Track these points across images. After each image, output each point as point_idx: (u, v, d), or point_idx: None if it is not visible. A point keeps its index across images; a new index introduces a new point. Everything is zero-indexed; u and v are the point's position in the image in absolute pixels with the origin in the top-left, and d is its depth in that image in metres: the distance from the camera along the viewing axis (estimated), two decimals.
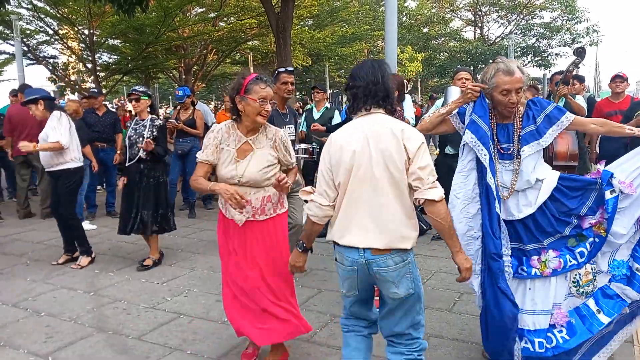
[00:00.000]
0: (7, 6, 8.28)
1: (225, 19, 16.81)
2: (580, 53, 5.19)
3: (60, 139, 4.75)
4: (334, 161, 2.22)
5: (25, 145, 4.75)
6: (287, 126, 5.19)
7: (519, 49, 20.62)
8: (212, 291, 4.23)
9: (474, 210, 2.72)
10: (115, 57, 16.43)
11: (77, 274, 4.76)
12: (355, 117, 2.29)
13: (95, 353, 3.21)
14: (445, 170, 5.48)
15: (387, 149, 2.14)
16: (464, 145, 2.78)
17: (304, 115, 7.33)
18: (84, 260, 5.03)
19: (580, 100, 5.73)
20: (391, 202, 2.16)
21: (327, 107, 6.83)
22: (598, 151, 6.15)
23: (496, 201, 2.63)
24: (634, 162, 2.67)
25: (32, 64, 15.78)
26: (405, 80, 3.96)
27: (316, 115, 6.83)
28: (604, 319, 2.61)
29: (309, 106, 7.30)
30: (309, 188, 2.39)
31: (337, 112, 6.50)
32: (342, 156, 2.19)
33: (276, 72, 4.36)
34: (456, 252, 2.29)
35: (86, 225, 6.28)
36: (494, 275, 2.62)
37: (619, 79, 5.96)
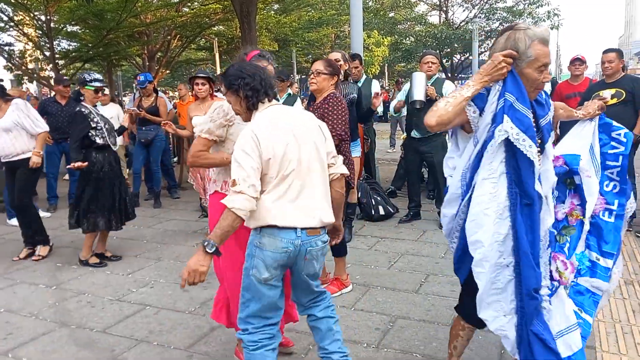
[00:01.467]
0: None
1: (189, 4, 16.44)
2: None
3: (43, 128, 4.83)
4: (265, 155, 2.18)
5: (35, 162, 4.75)
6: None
7: (482, 32, 20.85)
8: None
9: (504, 230, 2.02)
10: (75, 44, 15.92)
11: (38, 268, 4.63)
12: (259, 111, 2.33)
13: (58, 348, 3.14)
14: (412, 153, 5.56)
15: (313, 134, 2.34)
16: (490, 139, 2.01)
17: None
18: (42, 249, 4.92)
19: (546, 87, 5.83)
20: (319, 182, 2.32)
21: (289, 94, 6.77)
22: (559, 133, 6.28)
23: (548, 215, 2.10)
24: (578, 139, 2.56)
25: None
26: (339, 67, 3.88)
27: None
28: (588, 318, 2.30)
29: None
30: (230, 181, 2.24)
31: (298, 100, 6.47)
32: (274, 149, 2.20)
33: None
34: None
35: (15, 221, 6.07)
36: (526, 316, 2.03)
37: (578, 62, 6.09)
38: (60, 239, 5.36)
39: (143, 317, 3.54)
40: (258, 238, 2.25)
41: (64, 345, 3.17)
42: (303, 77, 32.98)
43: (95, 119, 4.52)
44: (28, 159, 4.77)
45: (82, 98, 4.57)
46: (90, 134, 4.45)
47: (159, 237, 5.49)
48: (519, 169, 2.00)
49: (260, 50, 2.72)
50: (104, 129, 4.57)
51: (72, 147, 4.46)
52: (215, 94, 5.41)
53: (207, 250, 2.11)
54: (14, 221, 6.18)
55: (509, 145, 1.99)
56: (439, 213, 5.47)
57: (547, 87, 5.86)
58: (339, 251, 3.79)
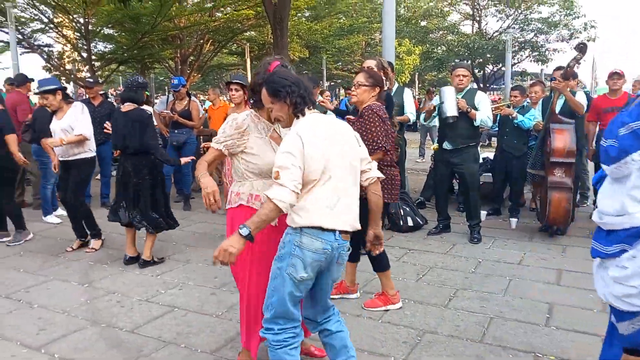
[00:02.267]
0: None
1: (222, 9, 16.68)
2: (581, 49, 5.17)
3: (84, 132, 4.95)
4: (307, 157, 2.25)
5: (53, 142, 4.90)
6: None
7: (516, 43, 20.53)
8: (206, 284, 4.21)
9: None
10: (111, 46, 16.29)
11: (71, 266, 4.73)
12: (304, 116, 2.40)
13: (89, 346, 3.19)
14: (442, 165, 5.49)
15: (349, 142, 2.44)
16: None
17: None
18: (95, 243, 5.19)
19: (581, 97, 5.71)
20: (353, 188, 2.43)
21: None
22: (594, 148, 6.14)
23: None
24: None
25: (26, 52, 15.64)
26: (383, 78, 3.85)
27: None
28: None
29: None
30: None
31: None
32: (316, 152, 2.27)
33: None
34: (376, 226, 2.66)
35: (50, 218, 6.39)
36: None
37: (616, 76, 5.95)
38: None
39: (171, 318, 3.57)
40: (298, 237, 2.31)
41: (94, 344, 3.22)
42: (332, 84, 33.05)
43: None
44: (82, 159, 5.04)
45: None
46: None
47: (188, 240, 5.55)
48: None
49: (280, 61, 2.72)
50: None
51: (158, 149, 4.63)
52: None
53: (241, 233, 2.18)
54: (50, 218, 6.36)
55: None
56: (469, 226, 5.40)
57: (583, 100, 5.72)
58: (382, 265, 3.66)
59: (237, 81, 4.96)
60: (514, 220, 5.94)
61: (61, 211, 6.62)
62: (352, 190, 2.42)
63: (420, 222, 5.78)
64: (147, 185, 4.62)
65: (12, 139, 5.24)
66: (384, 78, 3.81)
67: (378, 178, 2.60)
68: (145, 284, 4.24)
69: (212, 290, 4.07)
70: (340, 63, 28.13)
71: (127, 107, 4.62)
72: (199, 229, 6.04)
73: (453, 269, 4.52)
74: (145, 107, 4.78)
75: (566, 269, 4.48)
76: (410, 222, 5.69)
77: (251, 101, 2.72)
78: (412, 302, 3.80)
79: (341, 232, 2.36)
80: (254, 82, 2.70)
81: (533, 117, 5.89)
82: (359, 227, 2.46)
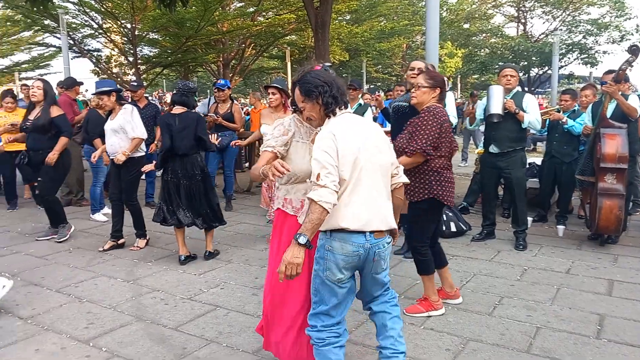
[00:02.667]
0: (54, 1, 8.51)
1: (264, 13, 16.89)
2: (634, 51, 4.97)
3: (139, 135, 5.13)
4: (341, 155, 2.29)
5: (119, 158, 5.07)
6: None
7: (564, 45, 19.92)
8: (247, 284, 4.25)
9: None
10: (156, 50, 16.75)
11: (117, 263, 4.86)
12: (336, 116, 2.43)
13: (134, 341, 3.26)
14: (489, 169, 5.35)
15: (379, 143, 2.46)
16: None
17: None
18: (141, 242, 5.36)
19: (634, 100, 5.48)
20: (384, 189, 2.46)
21: (360, 104, 6.76)
22: None
23: None
24: None
25: (77, 57, 16.27)
26: (445, 78, 3.84)
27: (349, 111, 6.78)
28: None
29: None
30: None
31: (369, 109, 6.43)
32: (348, 151, 2.31)
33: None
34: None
35: (98, 216, 6.60)
36: None
37: None
38: (133, 238, 5.58)
39: (213, 317, 3.62)
40: (329, 242, 2.36)
41: (139, 339, 3.29)
42: (371, 87, 32.94)
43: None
44: (132, 158, 5.18)
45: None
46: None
47: (230, 240, 5.61)
48: None
49: (322, 65, 2.71)
50: None
51: (212, 147, 5.00)
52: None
53: (300, 242, 2.20)
54: (97, 216, 6.56)
55: None
56: (514, 233, 5.26)
57: (636, 104, 5.47)
58: (424, 269, 3.62)
59: (275, 85, 5.05)
60: (561, 228, 5.74)
61: (108, 209, 6.84)
62: (382, 190, 2.44)
63: (464, 228, 5.67)
64: (200, 184, 4.78)
65: (63, 142, 5.44)
66: (445, 79, 3.76)
67: (403, 183, 2.62)
68: (188, 283, 4.32)
69: (253, 291, 4.10)
70: (380, 66, 27.99)
71: (179, 109, 4.77)
72: (240, 229, 6.11)
73: (498, 276, 4.40)
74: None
75: (618, 280, 4.29)
76: (453, 228, 5.58)
77: (293, 107, 2.72)
78: (455, 309, 3.72)
79: (374, 231, 2.38)
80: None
81: (584, 122, 5.70)
82: (394, 226, 2.48)
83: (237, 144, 6.00)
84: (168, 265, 4.78)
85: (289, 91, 5.02)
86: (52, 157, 5.36)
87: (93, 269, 4.67)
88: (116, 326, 3.48)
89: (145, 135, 5.24)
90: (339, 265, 2.34)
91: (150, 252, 5.19)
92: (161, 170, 4.85)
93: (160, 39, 16.07)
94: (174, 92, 5.03)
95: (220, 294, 4.05)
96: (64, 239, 5.56)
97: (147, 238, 5.45)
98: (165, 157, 4.72)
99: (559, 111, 6.09)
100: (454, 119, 5.90)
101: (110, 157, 5.32)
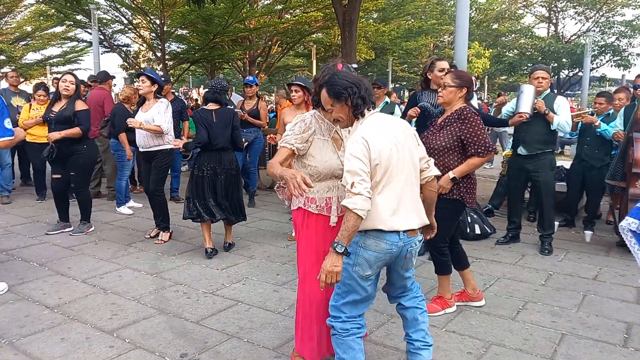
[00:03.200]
0: None
1: (291, 11, 16.92)
2: None
3: (162, 125, 5.21)
4: (373, 159, 2.31)
5: (133, 122, 5.18)
6: None
7: (596, 47, 19.46)
8: (269, 280, 4.26)
9: None
10: (184, 46, 16.93)
11: (141, 256, 4.93)
12: (365, 117, 2.45)
13: (157, 334, 3.30)
14: (516, 171, 5.26)
15: (409, 141, 2.48)
16: None
17: None
18: (165, 235, 5.44)
19: None
20: (416, 186, 2.51)
21: (387, 102, 6.72)
22: None
23: None
24: None
25: (106, 52, 16.56)
26: (473, 78, 3.80)
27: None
28: None
29: None
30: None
31: (397, 107, 6.38)
32: (381, 154, 2.33)
33: None
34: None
35: (123, 209, 6.71)
36: None
37: None
38: (180, 228, 5.64)
39: (235, 312, 3.64)
40: (363, 239, 2.40)
41: (161, 332, 3.33)
42: (397, 86, 32.74)
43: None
44: (162, 150, 5.31)
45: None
46: None
47: (252, 236, 5.65)
48: None
49: (344, 63, 2.71)
50: None
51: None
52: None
53: (338, 251, 2.24)
54: (123, 209, 6.67)
55: None
56: (540, 237, 5.16)
57: None
58: (443, 269, 3.64)
59: (298, 83, 5.10)
60: (588, 233, 5.61)
61: (133, 202, 6.95)
62: (414, 188, 2.50)
63: (489, 231, 5.59)
64: (234, 179, 4.97)
65: (75, 131, 5.39)
66: (473, 79, 3.72)
67: (435, 176, 2.68)
68: (210, 277, 4.35)
69: (274, 287, 4.11)
70: (406, 65, 27.79)
71: (213, 106, 4.92)
72: (262, 225, 6.14)
73: (522, 281, 4.33)
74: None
75: None
76: (477, 230, 5.51)
77: (313, 103, 2.72)
78: (478, 312, 3.67)
79: (407, 230, 2.42)
80: (317, 85, 2.65)
81: (616, 126, 5.57)
82: (427, 222, 2.56)
83: (272, 139, 5.85)
84: (191, 259, 4.83)
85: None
86: (54, 135, 5.32)
87: (118, 261, 4.75)
88: (139, 318, 3.53)
89: (167, 130, 5.29)
90: (370, 262, 2.40)
91: (173, 246, 5.25)
92: (186, 166, 4.93)
93: (188, 35, 16.24)
94: (207, 89, 5.14)
95: (242, 290, 4.08)
96: (79, 234, 5.63)
97: (171, 231, 5.52)
98: (201, 151, 4.86)
99: (592, 114, 5.95)
100: None
101: (141, 150, 5.42)
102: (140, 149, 5.43)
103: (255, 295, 3.97)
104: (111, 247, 5.18)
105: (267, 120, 7.87)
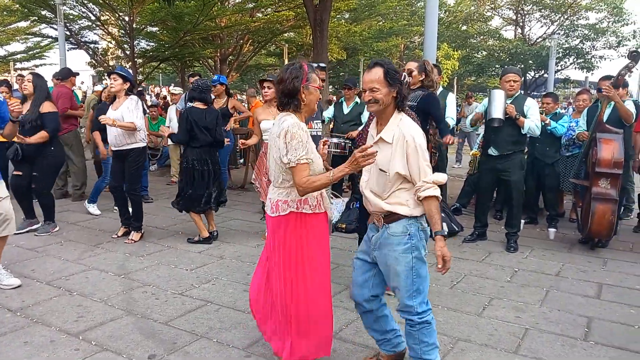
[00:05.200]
0: None
1: (263, 10, 16.84)
2: (634, 57, 5.00)
3: (135, 121, 5.16)
4: None
5: (105, 119, 5.12)
6: (315, 121, 5.24)
7: (561, 49, 19.99)
8: (239, 280, 4.25)
9: None
10: (153, 44, 16.67)
11: (109, 256, 4.85)
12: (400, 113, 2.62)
13: (124, 335, 3.26)
14: (487, 172, 5.36)
15: None
16: None
17: (332, 108, 7.32)
18: (136, 235, 5.38)
19: (630, 105, 5.52)
20: None
21: (356, 102, 6.79)
22: None
23: None
24: None
25: (73, 49, 16.17)
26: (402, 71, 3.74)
27: (345, 110, 6.86)
28: None
29: (340, 99, 7.28)
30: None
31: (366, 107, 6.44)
32: None
33: None
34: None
35: (92, 208, 6.59)
36: None
37: None
38: (152, 229, 5.56)
39: (204, 313, 3.62)
40: (420, 224, 2.59)
41: (129, 333, 3.29)
42: None
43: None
44: (135, 148, 5.27)
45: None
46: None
47: (222, 236, 5.61)
48: None
49: (308, 63, 2.71)
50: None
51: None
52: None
53: (444, 234, 2.53)
54: (92, 208, 6.54)
55: None
56: (506, 234, 5.28)
57: (632, 108, 5.50)
58: None
59: (270, 79, 5.23)
60: (552, 231, 5.78)
61: (93, 209, 6.78)
62: None
63: (456, 229, 5.69)
64: (219, 171, 5.42)
65: (42, 135, 5.29)
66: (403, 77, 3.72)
67: None
68: (179, 278, 4.31)
69: (244, 287, 4.10)
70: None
71: (201, 105, 5.25)
72: (233, 225, 6.11)
73: (488, 278, 4.43)
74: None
75: (607, 283, 4.33)
76: (445, 228, 5.59)
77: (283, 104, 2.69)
78: (445, 309, 3.74)
79: None
80: (293, 86, 2.60)
81: (567, 124, 5.79)
82: None
83: (244, 144, 5.83)
84: (160, 260, 4.78)
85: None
86: (24, 139, 5.18)
87: (84, 262, 4.66)
88: (106, 320, 3.47)
89: (139, 127, 5.23)
90: (427, 239, 2.62)
91: (142, 247, 5.18)
92: (155, 165, 4.92)
93: (157, 32, 15.98)
94: (192, 89, 5.42)
95: (211, 290, 4.06)
96: (44, 234, 5.51)
97: (142, 232, 5.45)
98: (193, 148, 5.22)
99: (541, 113, 6.11)
100: (451, 121, 5.97)
101: (113, 149, 5.33)
102: (113, 148, 5.34)
103: (225, 295, 3.95)
104: (77, 248, 5.08)
105: (246, 111, 7.88)
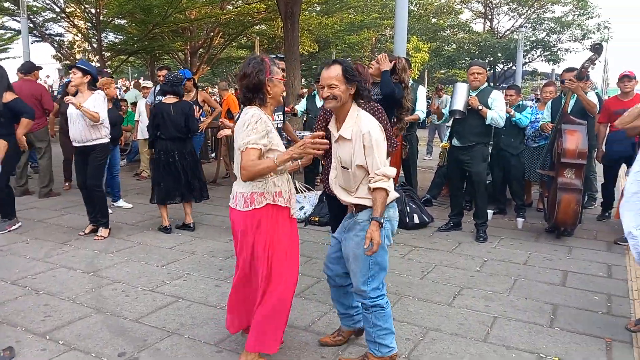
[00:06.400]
0: None
1: (233, 2, 16.65)
2: (597, 49, 5.13)
3: (100, 113, 5.10)
4: None
5: (71, 99, 5.04)
6: (275, 113, 5.22)
7: (528, 42, 20.37)
8: (211, 276, 4.22)
9: None
10: (121, 37, 16.32)
11: (77, 254, 4.76)
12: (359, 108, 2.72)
13: (93, 334, 3.20)
14: (453, 162, 5.47)
15: None
16: None
17: (304, 101, 7.30)
18: (104, 231, 5.29)
19: (592, 97, 5.67)
20: None
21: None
22: (604, 150, 6.10)
23: None
24: None
25: (37, 42, 15.71)
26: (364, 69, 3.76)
27: (319, 103, 6.84)
28: None
29: (313, 93, 7.28)
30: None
31: None
32: None
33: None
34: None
35: (121, 202, 6.68)
36: None
37: (626, 79, 5.86)
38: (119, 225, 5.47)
39: (175, 309, 3.58)
40: (386, 213, 2.63)
41: (98, 332, 3.23)
42: None
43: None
44: (98, 144, 5.19)
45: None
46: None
47: (194, 232, 5.55)
48: None
49: (267, 56, 2.74)
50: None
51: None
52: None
53: (380, 223, 2.55)
54: (121, 202, 6.58)
55: None
56: (475, 225, 5.38)
57: (595, 100, 5.65)
58: None
59: None
60: (520, 220, 5.91)
61: (123, 202, 6.70)
62: None
63: (427, 220, 5.77)
64: (192, 162, 5.50)
65: (25, 123, 5.28)
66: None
67: None
68: (150, 274, 4.26)
69: (216, 282, 4.08)
70: (349, 58, 28.03)
71: (172, 99, 5.38)
72: (205, 220, 6.05)
73: (458, 268, 4.51)
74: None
75: (572, 271, 4.46)
76: (416, 220, 5.67)
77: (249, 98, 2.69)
78: (416, 300, 3.79)
79: None
80: (257, 80, 2.61)
81: (531, 116, 5.95)
82: None
83: (221, 134, 5.83)
84: (130, 256, 4.71)
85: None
86: (20, 143, 5.27)
87: (52, 260, 4.56)
88: (74, 318, 3.41)
89: (102, 119, 5.12)
90: (393, 230, 2.72)
91: (111, 243, 5.09)
92: (124, 160, 4.84)
93: (126, 25, 15.65)
94: (164, 82, 5.53)
95: (182, 286, 4.02)
96: (1, 232, 5.37)
97: (110, 227, 5.36)
98: (158, 140, 5.37)
99: (506, 106, 6.22)
100: (422, 114, 6.03)
101: (77, 145, 5.22)
102: (75, 144, 5.22)
103: (196, 291, 3.92)
104: (44, 246, 4.96)
105: (215, 114, 7.78)
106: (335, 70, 2.62)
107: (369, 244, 2.53)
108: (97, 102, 5.09)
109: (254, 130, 2.55)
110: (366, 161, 2.57)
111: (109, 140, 5.35)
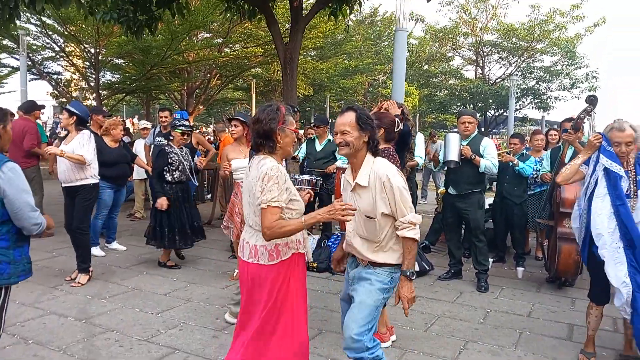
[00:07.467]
0: (16, 21, 8.25)
1: (231, 45, 16.92)
2: (592, 101, 5.19)
3: (85, 155, 5.03)
4: None
5: (52, 149, 5.07)
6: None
7: (519, 90, 20.75)
8: (208, 325, 4.08)
9: (612, 226, 3.28)
10: (119, 76, 16.45)
11: (68, 299, 4.60)
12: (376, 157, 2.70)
13: None
14: (450, 209, 5.46)
15: None
16: (595, 172, 3.43)
17: (304, 145, 7.32)
18: (83, 277, 5.08)
19: None
20: None
21: (329, 140, 6.82)
22: None
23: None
24: None
25: (35, 79, 15.79)
26: (396, 120, 3.83)
27: (318, 147, 6.89)
28: None
29: (312, 136, 7.29)
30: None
31: None
32: None
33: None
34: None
35: (115, 244, 6.53)
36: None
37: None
38: (105, 267, 5.33)
39: None
40: (397, 274, 2.65)
41: None
42: (333, 121, 33.35)
43: (173, 158, 5.58)
44: (86, 185, 5.12)
45: (171, 138, 5.74)
46: (164, 170, 5.53)
47: (189, 277, 5.42)
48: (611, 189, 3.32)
49: (285, 105, 2.71)
50: (179, 167, 5.63)
51: (153, 179, 5.71)
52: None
53: (411, 277, 2.58)
54: (114, 244, 6.45)
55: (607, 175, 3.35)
56: (476, 273, 5.31)
57: None
58: None
59: (238, 117, 5.13)
60: (520, 270, 5.84)
61: (117, 245, 6.53)
62: None
63: (427, 268, 5.68)
64: (194, 206, 5.89)
65: None
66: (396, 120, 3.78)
67: None
68: (145, 322, 4.11)
69: (213, 333, 3.94)
70: (342, 102, 28.41)
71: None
72: (199, 265, 5.92)
73: (462, 319, 4.40)
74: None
75: (577, 324, 4.36)
76: (416, 267, 5.58)
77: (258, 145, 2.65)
78: (421, 354, 3.67)
79: None
80: (269, 127, 2.55)
81: (533, 165, 5.96)
82: None
83: (202, 162, 6.46)
84: (124, 302, 4.56)
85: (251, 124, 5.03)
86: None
87: (42, 306, 4.39)
88: None
89: (89, 161, 5.08)
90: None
91: (104, 288, 4.94)
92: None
93: (124, 65, 15.80)
94: (172, 124, 5.82)
95: (178, 336, 3.87)
96: None
97: (90, 274, 5.15)
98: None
99: (509, 153, 6.26)
100: (420, 160, 6.07)
101: (63, 185, 5.14)
102: (63, 185, 5.16)
103: (193, 341, 3.78)
104: (34, 290, 4.80)
105: (210, 155, 7.75)
106: (349, 117, 2.60)
107: (399, 301, 2.58)
108: (82, 141, 5.07)
109: (275, 185, 2.45)
110: (391, 208, 2.54)
111: (97, 181, 5.26)
